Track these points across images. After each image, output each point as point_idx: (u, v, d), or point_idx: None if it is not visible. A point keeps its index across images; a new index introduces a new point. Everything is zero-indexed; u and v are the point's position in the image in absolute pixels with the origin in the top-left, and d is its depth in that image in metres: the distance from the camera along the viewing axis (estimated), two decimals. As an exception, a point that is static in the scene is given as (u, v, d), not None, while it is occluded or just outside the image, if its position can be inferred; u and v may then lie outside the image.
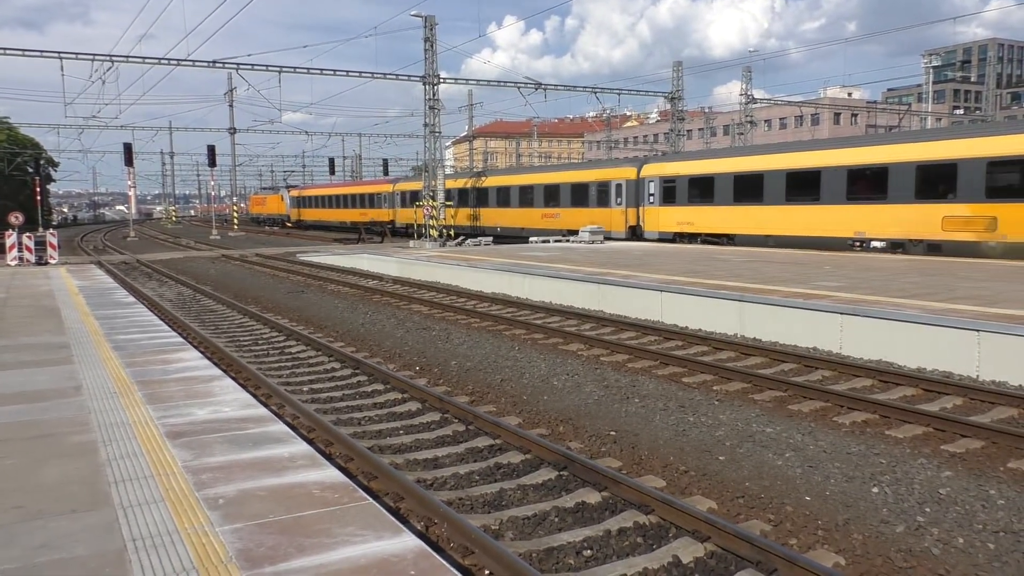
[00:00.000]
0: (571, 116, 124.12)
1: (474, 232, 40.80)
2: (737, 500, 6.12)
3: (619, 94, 43.35)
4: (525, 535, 5.49)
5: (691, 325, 13.81)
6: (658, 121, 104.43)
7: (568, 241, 31.90)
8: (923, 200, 21.58)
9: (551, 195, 36.86)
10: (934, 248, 21.39)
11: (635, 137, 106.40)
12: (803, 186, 24.85)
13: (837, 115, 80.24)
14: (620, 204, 32.83)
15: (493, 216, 41.44)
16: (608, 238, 32.24)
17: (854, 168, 23.50)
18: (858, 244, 23.34)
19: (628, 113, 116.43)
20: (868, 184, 23.06)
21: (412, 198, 46.21)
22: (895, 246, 22.46)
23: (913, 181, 21.78)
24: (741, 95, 52.27)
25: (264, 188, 79.68)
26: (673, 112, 44.80)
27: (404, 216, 47.99)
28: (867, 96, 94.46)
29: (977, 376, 9.74)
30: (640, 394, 9.34)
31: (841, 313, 11.45)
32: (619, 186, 32.93)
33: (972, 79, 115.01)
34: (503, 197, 40.55)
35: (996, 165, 19.77)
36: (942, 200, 21.12)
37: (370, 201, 56.61)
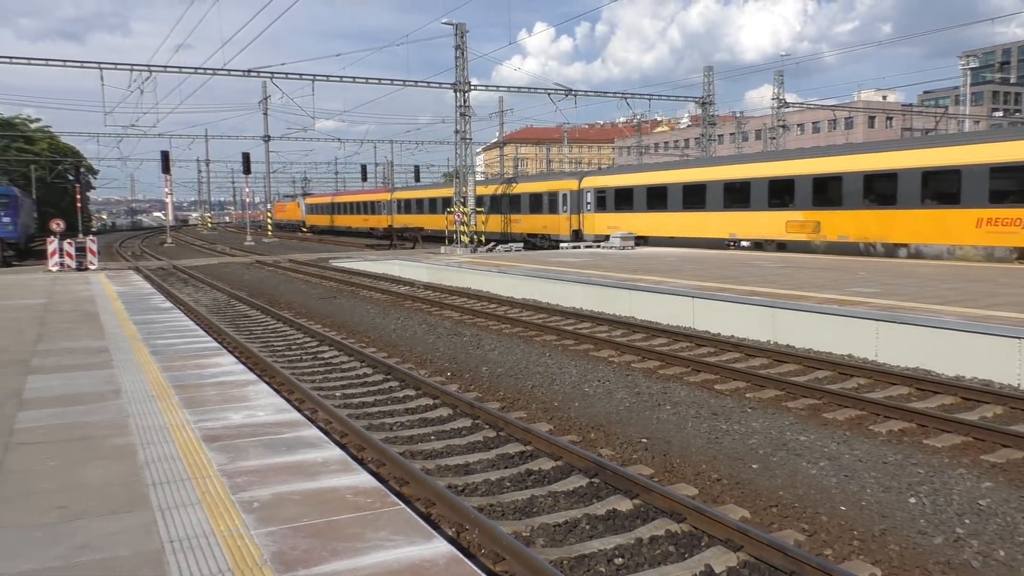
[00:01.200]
0: (601, 122, 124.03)
1: (503, 239, 41.37)
2: (771, 509, 6.06)
3: (649, 99, 43.23)
4: (556, 542, 5.49)
5: (723, 331, 13.70)
6: (689, 126, 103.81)
7: (599, 247, 31.90)
8: (773, 208, 26.83)
9: (514, 204, 42.13)
10: (781, 246, 26.56)
11: (665, 142, 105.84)
12: (694, 197, 30.31)
13: (872, 118, 79.16)
14: (565, 211, 37.77)
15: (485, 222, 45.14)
16: (556, 241, 36.92)
17: (728, 182, 28.83)
18: (732, 244, 28.34)
19: (659, 118, 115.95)
20: (737, 196, 28.29)
21: (407, 206, 54.48)
22: (757, 245, 27.56)
23: (766, 193, 27.04)
24: (773, 99, 51.84)
25: (285, 196, 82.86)
26: (704, 117, 44.53)
27: (400, 221, 53.98)
28: (902, 99, 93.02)
29: (1018, 385, 9.53)
30: (672, 401, 9.29)
31: (877, 320, 11.29)
32: (564, 196, 37.83)
33: (1012, 80, 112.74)
34: (494, 205, 44.72)
35: (819, 181, 25.23)
36: (786, 208, 26.35)
37: (371, 208, 62.15)
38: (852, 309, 11.87)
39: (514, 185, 42.94)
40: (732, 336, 13.35)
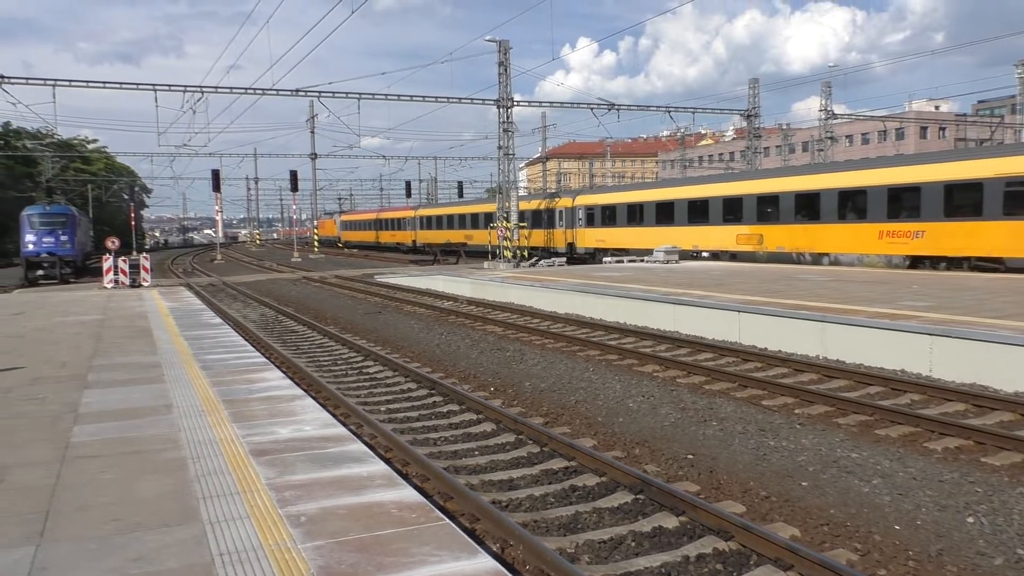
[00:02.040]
0: (645, 136, 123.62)
1: (546, 253, 41.77)
2: (821, 528, 5.92)
3: (693, 112, 43.06)
4: (601, 559, 5.44)
5: (770, 346, 13.48)
6: (734, 139, 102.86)
7: (643, 261, 31.75)
8: (727, 223, 30.43)
9: (522, 219, 44.56)
10: (733, 256, 30.16)
11: (710, 155, 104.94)
12: (666, 213, 33.94)
13: (924, 129, 77.51)
14: (562, 226, 41.25)
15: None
16: (554, 253, 39.79)
17: (691, 200, 32.61)
18: (695, 255, 31.82)
19: (703, 131, 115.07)
20: (699, 213, 31.97)
21: (428, 222, 59.04)
22: (715, 256, 31.21)
23: (721, 210, 30.76)
24: (820, 111, 51.09)
25: (326, 213, 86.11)
26: (749, 130, 44.08)
27: (423, 237, 59.67)
28: (956, 109, 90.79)
29: (1081, 401, 9.21)
30: (718, 417, 9.16)
31: (931, 334, 11.01)
32: (561, 212, 41.40)
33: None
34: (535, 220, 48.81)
35: (762, 199, 28.86)
36: (736, 223, 29.94)
37: (397, 225, 66.95)
38: (904, 323, 11.59)
39: (532, 201, 46.36)
40: (779, 351, 13.13)
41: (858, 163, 29.17)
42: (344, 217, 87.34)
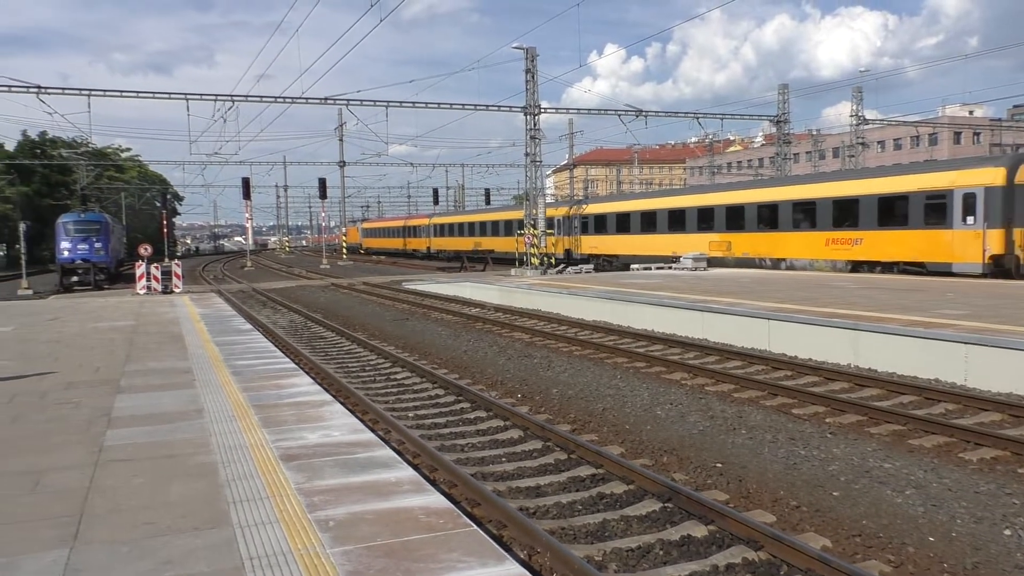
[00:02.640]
0: (672, 142, 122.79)
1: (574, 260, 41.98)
2: (853, 539, 5.83)
3: (722, 118, 42.70)
4: (629, 567, 5.40)
5: (800, 354, 13.33)
6: (763, 145, 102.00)
7: (671, 268, 31.62)
8: (701, 231, 33.17)
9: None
10: (708, 262, 32.02)
11: (738, 162, 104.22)
12: (649, 222, 36.89)
13: (958, 134, 76.30)
14: (562, 234, 44.28)
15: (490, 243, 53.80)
16: (557, 260, 41.26)
17: (671, 210, 35.49)
18: (674, 261, 33.20)
19: (731, 138, 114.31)
20: (678, 222, 34.86)
21: (441, 230, 63.78)
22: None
23: (696, 220, 33.63)
24: (851, 116, 50.54)
25: (351, 221, 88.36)
26: (779, 136, 43.71)
27: (436, 244, 64.62)
28: (991, 113, 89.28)
29: (1122, 412, 8.99)
30: (747, 425, 9.07)
31: (966, 343, 10.81)
32: (558, 221, 44.41)
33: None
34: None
35: (730, 209, 31.60)
36: (709, 231, 32.68)
37: (413, 232, 71.09)
38: (939, 331, 11.40)
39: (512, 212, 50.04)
40: (810, 359, 12.98)
41: (808, 177, 33.51)
42: (365, 225, 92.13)
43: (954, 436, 8.25)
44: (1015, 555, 5.44)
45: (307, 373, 10.80)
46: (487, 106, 38.94)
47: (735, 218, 31.26)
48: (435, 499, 5.04)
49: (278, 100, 36.51)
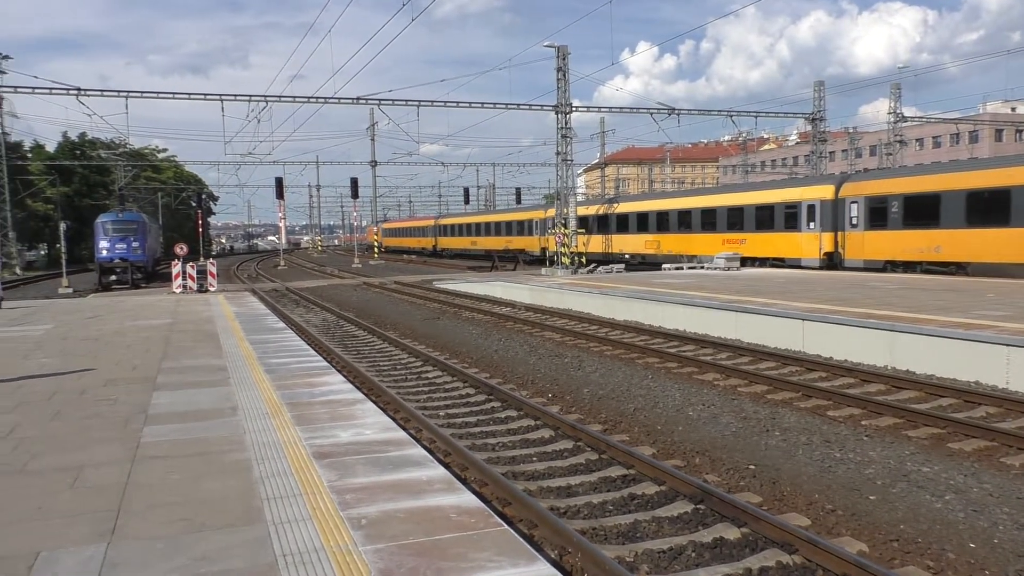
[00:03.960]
0: (705, 140, 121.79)
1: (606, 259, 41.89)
2: (891, 543, 5.73)
3: (756, 116, 42.30)
4: (661, 569, 5.36)
5: (836, 356, 13.14)
6: (797, 143, 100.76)
7: (703, 268, 31.41)
8: (639, 233, 39.50)
9: (526, 226, 53.90)
10: (643, 259, 38.57)
11: (772, 160, 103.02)
12: (604, 224, 42.52)
13: (999, 131, 74.66)
14: (553, 233, 45.83)
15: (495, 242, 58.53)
16: (588, 259, 43.14)
17: (619, 215, 41.27)
18: (627, 258, 39.59)
19: (765, 136, 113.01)
20: (623, 225, 40.89)
21: (446, 230, 70.98)
22: (643, 261, 38.54)
23: (636, 223, 39.80)
24: (889, 113, 49.71)
25: (377, 222, 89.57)
26: (814, 133, 43.13)
27: (443, 243, 71.75)
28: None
29: None
30: (781, 427, 8.96)
31: (1008, 345, 10.57)
32: (544, 222, 47.07)
33: None
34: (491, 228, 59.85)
35: (660, 215, 38.04)
36: (645, 232, 39.00)
37: (422, 232, 78.81)
38: (979, 333, 11.17)
39: (517, 213, 55.07)
40: (846, 360, 12.78)
41: (712, 189, 42.29)
42: (385, 225, 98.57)
43: (995, 440, 8.07)
44: (1059, 563, 5.31)
45: (339, 371, 10.87)
46: (518, 105, 38.98)
47: (664, 222, 37.80)
48: (466, 498, 5.04)
49: (311, 100, 36.87)
